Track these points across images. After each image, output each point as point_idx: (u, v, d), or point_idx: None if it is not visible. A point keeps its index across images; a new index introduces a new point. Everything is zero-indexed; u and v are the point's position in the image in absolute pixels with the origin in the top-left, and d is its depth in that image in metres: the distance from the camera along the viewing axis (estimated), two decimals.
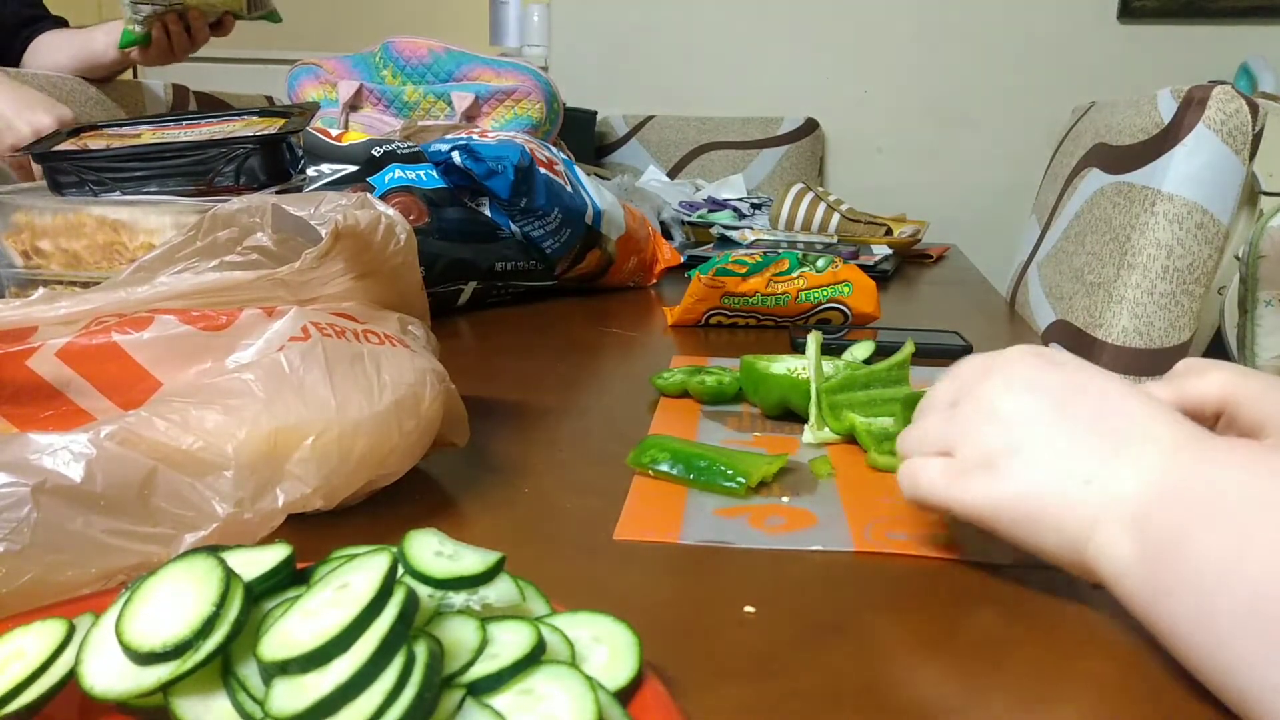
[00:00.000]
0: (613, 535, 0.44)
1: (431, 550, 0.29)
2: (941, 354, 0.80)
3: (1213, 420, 0.44)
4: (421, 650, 0.25)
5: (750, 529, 0.45)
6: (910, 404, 0.49)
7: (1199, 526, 0.32)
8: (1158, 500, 0.34)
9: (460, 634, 0.27)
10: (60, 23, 1.61)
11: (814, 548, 0.43)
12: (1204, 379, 0.45)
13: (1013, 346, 0.42)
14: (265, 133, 0.72)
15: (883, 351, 0.73)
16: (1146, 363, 0.95)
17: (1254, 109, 0.91)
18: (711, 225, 1.50)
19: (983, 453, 0.39)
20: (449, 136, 0.98)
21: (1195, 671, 0.31)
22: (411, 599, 0.26)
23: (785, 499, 0.49)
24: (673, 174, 2.42)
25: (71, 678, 0.26)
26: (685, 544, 0.43)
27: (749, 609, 0.38)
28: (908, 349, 0.62)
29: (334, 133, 0.98)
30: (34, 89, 1.26)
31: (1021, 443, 0.38)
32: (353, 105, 1.29)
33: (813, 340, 0.62)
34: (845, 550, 0.43)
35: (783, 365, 0.63)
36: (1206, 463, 0.34)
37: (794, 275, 0.86)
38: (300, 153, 0.77)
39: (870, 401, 0.60)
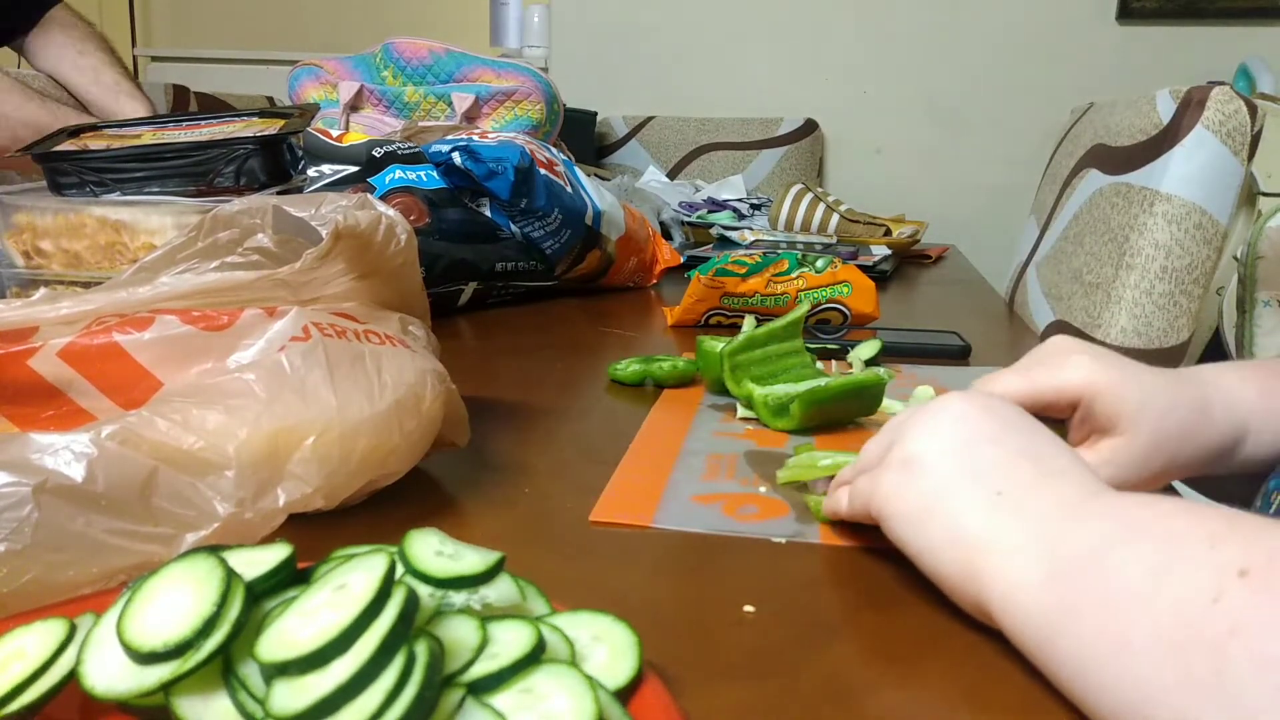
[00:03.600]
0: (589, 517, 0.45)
1: (432, 550, 0.29)
2: (941, 354, 0.80)
3: (1069, 410, 0.44)
4: (422, 650, 0.25)
5: (722, 516, 0.46)
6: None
7: (1118, 543, 0.31)
8: (1075, 522, 0.33)
9: (460, 633, 0.27)
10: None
11: (778, 539, 0.44)
12: (1063, 371, 0.44)
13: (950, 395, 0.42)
14: (265, 134, 0.72)
15: (884, 351, 0.73)
16: (1145, 363, 0.95)
17: (1253, 110, 0.91)
18: (711, 226, 1.50)
19: (900, 457, 0.39)
20: (449, 137, 0.98)
21: (1095, 702, 0.29)
22: (412, 599, 0.26)
23: (763, 489, 0.50)
24: (672, 175, 2.42)
25: (72, 677, 0.26)
26: (657, 529, 0.45)
27: (749, 608, 0.38)
28: (803, 308, 0.67)
29: (334, 133, 0.99)
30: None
31: (937, 455, 0.38)
32: (353, 106, 1.29)
33: (748, 322, 0.67)
34: (811, 542, 0.44)
35: (724, 343, 0.65)
36: (1126, 499, 0.33)
37: (793, 276, 0.86)
38: (301, 153, 0.77)
39: (766, 359, 0.63)
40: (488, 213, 0.96)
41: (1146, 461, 0.43)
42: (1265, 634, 0.25)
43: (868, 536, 0.44)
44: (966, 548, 0.35)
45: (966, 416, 0.39)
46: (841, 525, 0.45)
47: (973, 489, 0.36)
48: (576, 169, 1.08)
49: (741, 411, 0.62)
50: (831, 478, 0.47)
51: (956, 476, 0.37)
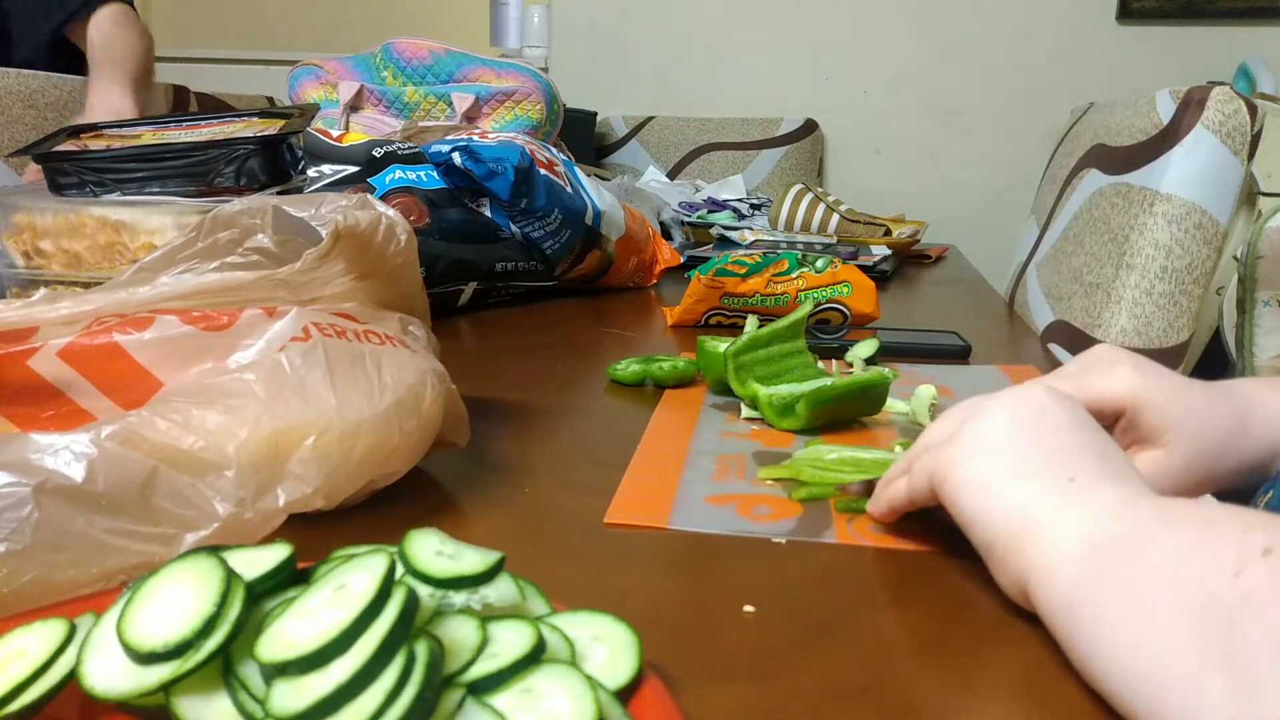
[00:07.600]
0: (603, 519, 0.45)
1: (432, 550, 0.29)
2: (941, 354, 0.80)
3: (1112, 419, 0.45)
4: (422, 650, 0.25)
5: (737, 517, 0.46)
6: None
7: (1161, 528, 0.32)
8: (1125, 516, 0.34)
9: (460, 633, 0.27)
10: None
11: (778, 539, 0.44)
12: (1110, 380, 0.45)
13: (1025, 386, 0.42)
14: (265, 134, 0.72)
15: (885, 351, 0.73)
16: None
17: (1252, 110, 0.91)
18: (711, 226, 1.50)
19: (973, 434, 0.40)
20: (449, 137, 0.98)
21: (1104, 671, 0.31)
22: (412, 599, 0.26)
23: (774, 488, 0.50)
24: (672, 175, 2.42)
25: (72, 677, 0.26)
26: (674, 530, 0.44)
27: (749, 608, 0.38)
28: (805, 308, 0.67)
29: (334, 134, 0.99)
30: None
31: (1015, 435, 0.39)
32: (353, 106, 1.29)
33: (750, 322, 0.68)
34: (826, 542, 0.44)
35: (726, 344, 0.65)
36: (1175, 500, 0.35)
37: (793, 276, 0.86)
38: (301, 154, 0.77)
39: (769, 359, 0.64)
40: (488, 213, 0.96)
41: (1185, 474, 0.44)
42: (1277, 602, 0.26)
43: (869, 537, 0.44)
44: (1025, 521, 0.36)
45: (1048, 407, 0.40)
46: (857, 527, 0.45)
47: (1046, 471, 0.37)
48: (576, 169, 1.08)
49: (745, 411, 0.62)
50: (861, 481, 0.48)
51: (1031, 457, 0.38)
